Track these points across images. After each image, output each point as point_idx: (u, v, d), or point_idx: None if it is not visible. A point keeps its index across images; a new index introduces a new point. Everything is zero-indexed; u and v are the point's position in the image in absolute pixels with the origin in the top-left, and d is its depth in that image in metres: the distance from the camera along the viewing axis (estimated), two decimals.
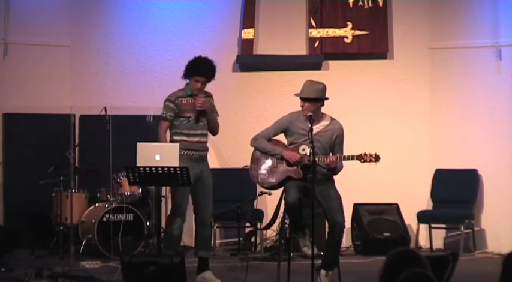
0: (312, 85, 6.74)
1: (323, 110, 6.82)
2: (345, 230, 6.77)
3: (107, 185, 9.00)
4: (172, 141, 7.22)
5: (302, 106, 6.71)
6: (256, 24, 10.19)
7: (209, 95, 7.50)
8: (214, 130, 7.49)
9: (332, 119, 6.84)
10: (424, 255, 3.66)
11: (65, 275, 7.22)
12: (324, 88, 6.74)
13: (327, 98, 6.74)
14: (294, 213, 6.58)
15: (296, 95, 6.76)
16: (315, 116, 6.61)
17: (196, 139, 7.23)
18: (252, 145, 6.90)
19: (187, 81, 7.38)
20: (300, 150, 6.69)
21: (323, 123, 6.75)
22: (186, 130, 7.26)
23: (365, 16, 10.06)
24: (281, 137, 6.96)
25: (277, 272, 6.69)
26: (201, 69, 7.35)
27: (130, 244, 8.57)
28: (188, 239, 9.94)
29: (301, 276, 6.75)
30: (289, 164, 6.71)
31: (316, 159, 6.43)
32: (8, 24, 9.76)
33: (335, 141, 6.77)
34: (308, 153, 6.58)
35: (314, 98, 6.68)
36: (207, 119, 7.35)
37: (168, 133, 7.35)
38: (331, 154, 6.76)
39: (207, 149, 7.40)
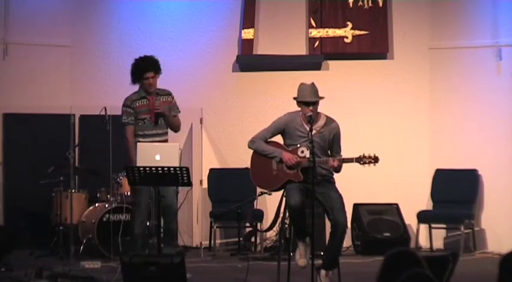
0: (312, 87, 6.70)
1: (319, 109, 6.79)
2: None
3: (107, 185, 9.00)
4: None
5: (311, 110, 6.60)
6: (256, 24, 10.19)
7: (168, 93, 7.87)
8: (174, 128, 7.89)
9: (327, 117, 6.81)
10: (424, 255, 3.66)
11: (65, 275, 7.22)
12: None
13: (322, 97, 6.74)
14: (297, 217, 6.54)
15: (304, 101, 6.64)
16: (313, 116, 6.59)
17: (151, 139, 7.58)
18: (249, 147, 6.86)
19: (138, 83, 7.77)
20: (299, 153, 6.65)
21: (319, 123, 6.72)
22: (141, 131, 7.69)
23: (365, 16, 10.05)
24: (279, 138, 6.94)
25: (277, 272, 6.69)
26: (146, 66, 7.74)
27: (130, 244, 8.56)
28: (188, 238, 9.96)
29: (301, 276, 6.75)
30: (288, 166, 6.67)
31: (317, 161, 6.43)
32: (8, 24, 9.75)
33: (333, 140, 6.75)
34: (307, 156, 6.56)
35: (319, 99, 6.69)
36: (165, 120, 7.74)
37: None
38: (329, 153, 6.75)
39: None
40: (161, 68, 7.83)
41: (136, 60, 7.83)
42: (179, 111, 7.88)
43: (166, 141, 7.80)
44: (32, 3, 9.92)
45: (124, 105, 7.75)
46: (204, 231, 9.78)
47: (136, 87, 7.98)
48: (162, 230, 7.54)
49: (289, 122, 6.76)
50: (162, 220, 7.57)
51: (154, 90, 7.77)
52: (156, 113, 7.66)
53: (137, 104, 7.67)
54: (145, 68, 7.69)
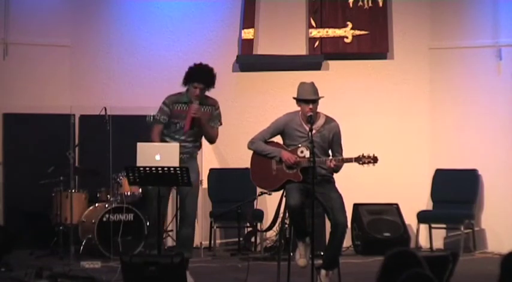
0: (312, 86, 6.72)
1: (319, 109, 6.80)
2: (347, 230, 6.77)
3: (107, 185, 9.00)
4: (161, 141, 7.36)
5: (311, 109, 6.61)
6: (256, 24, 10.19)
7: (213, 104, 7.55)
8: (209, 140, 7.62)
9: (327, 117, 6.81)
10: (424, 255, 3.66)
11: (65, 275, 7.22)
12: None
13: (322, 97, 6.74)
14: (297, 217, 6.54)
15: (304, 99, 6.66)
16: (313, 116, 6.60)
17: (177, 143, 7.23)
18: (249, 148, 6.86)
19: (187, 87, 7.46)
20: (299, 153, 6.65)
21: (319, 123, 6.72)
22: (170, 133, 7.43)
23: (365, 16, 10.06)
24: (278, 138, 6.94)
25: (277, 272, 6.69)
26: (199, 76, 7.43)
27: (130, 244, 8.57)
28: None
29: (301, 276, 6.75)
30: (288, 166, 6.67)
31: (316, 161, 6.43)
32: (8, 24, 9.75)
33: (333, 140, 6.74)
34: (307, 156, 6.56)
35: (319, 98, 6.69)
36: (201, 128, 7.42)
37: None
38: (330, 152, 6.75)
39: (192, 153, 7.48)
40: (214, 84, 7.48)
41: (196, 65, 7.52)
42: (220, 124, 7.57)
43: (195, 149, 7.53)
44: (32, 3, 9.91)
45: (164, 102, 7.43)
46: (204, 231, 9.77)
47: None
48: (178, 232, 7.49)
49: (289, 122, 6.76)
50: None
51: (198, 101, 7.42)
52: (192, 119, 7.35)
53: (177, 108, 7.41)
54: (197, 78, 7.38)
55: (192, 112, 7.34)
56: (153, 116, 7.57)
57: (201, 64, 7.52)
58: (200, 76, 7.42)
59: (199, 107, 7.39)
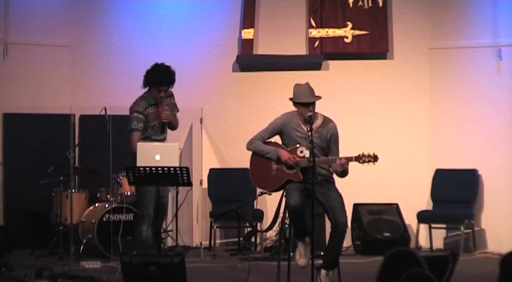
0: (308, 88, 6.69)
1: (319, 109, 6.79)
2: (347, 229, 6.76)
3: (107, 185, 9.00)
4: None
5: (311, 111, 6.59)
6: (256, 24, 10.19)
7: (170, 95, 7.76)
8: (173, 128, 7.83)
9: (324, 117, 6.78)
10: (424, 255, 3.66)
11: (65, 275, 7.22)
12: None
13: (320, 97, 6.73)
14: (297, 217, 6.53)
15: (303, 102, 6.66)
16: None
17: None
18: (248, 148, 6.84)
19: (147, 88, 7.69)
20: (298, 153, 6.64)
21: (317, 123, 6.69)
22: (150, 136, 7.60)
23: (365, 16, 10.06)
24: (277, 139, 6.93)
25: (277, 272, 6.68)
26: (162, 80, 7.68)
27: (130, 244, 8.56)
28: (188, 238, 9.96)
29: (301, 276, 6.74)
30: (288, 167, 6.67)
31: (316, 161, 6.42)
32: (8, 24, 9.76)
33: (330, 140, 6.72)
34: (307, 156, 6.55)
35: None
36: (169, 126, 7.75)
37: None
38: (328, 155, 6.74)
39: None
40: (175, 80, 7.71)
41: (154, 67, 7.67)
42: (178, 110, 7.86)
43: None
44: (32, 3, 9.92)
45: (135, 111, 7.57)
46: (204, 231, 9.78)
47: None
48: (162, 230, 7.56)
49: (287, 122, 6.74)
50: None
51: (165, 102, 7.68)
52: (164, 123, 7.69)
53: (149, 111, 7.61)
54: (162, 82, 7.58)
55: (163, 118, 7.60)
56: (131, 127, 7.61)
57: (158, 65, 7.74)
58: (163, 80, 7.64)
59: (169, 112, 7.63)
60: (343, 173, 6.59)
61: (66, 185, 8.87)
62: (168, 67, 7.67)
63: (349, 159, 6.55)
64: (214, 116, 10.11)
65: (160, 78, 7.60)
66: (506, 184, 9.62)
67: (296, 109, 6.71)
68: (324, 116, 6.78)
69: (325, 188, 6.61)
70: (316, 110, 6.70)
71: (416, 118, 10.09)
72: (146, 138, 7.56)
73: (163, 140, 7.64)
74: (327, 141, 6.71)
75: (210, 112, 10.04)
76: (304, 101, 6.62)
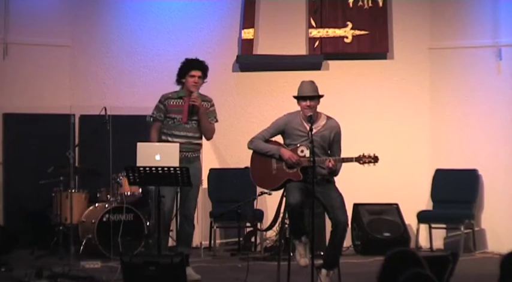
0: (310, 84, 6.74)
1: (320, 109, 6.81)
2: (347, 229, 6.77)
3: (107, 185, 9.00)
4: (160, 141, 7.31)
5: (308, 106, 6.63)
6: (256, 24, 10.19)
7: (208, 100, 7.58)
8: (206, 133, 7.55)
9: (328, 117, 6.81)
10: (424, 255, 3.66)
11: (65, 275, 7.22)
12: None
13: (322, 95, 6.75)
14: (296, 215, 6.53)
15: (300, 96, 6.68)
16: (313, 116, 6.60)
17: (179, 140, 7.27)
18: (249, 148, 6.86)
19: (181, 84, 7.50)
20: (299, 152, 6.65)
21: (320, 123, 6.72)
22: (170, 130, 7.40)
23: (365, 16, 10.06)
24: (278, 139, 6.94)
25: (277, 272, 6.69)
26: (196, 64, 7.49)
27: (130, 244, 8.57)
28: None
29: (301, 276, 6.75)
30: (288, 166, 6.67)
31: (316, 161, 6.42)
32: (8, 24, 9.76)
33: (333, 140, 6.74)
34: (307, 155, 6.56)
35: (317, 96, 6.69)
36: (199, 121, 7.42)
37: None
38: (329, 152, 6.75)
39: (195, 150, 7.43)
40: (207, 73, 7.52)
41: (187, 58, 7.58)
42: (216, 121, 7.59)
43: (198, 146, 7.49)
44: (32, 3, 9.92)
45: (159, 100, 7.49)
46: (204, 231, 9.77)
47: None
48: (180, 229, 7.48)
49: (289, 122, 6.77)
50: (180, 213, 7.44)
51: (196, 92, 7.44)
52: (190, 107, 7.35)
53: (171, 103, 7.42)
54: (194, 66, 7.42)
55: (191, 100, 7.34)
56: (150, 115, 7.57)
57: (192, 58, 7.58)
58: (196, 64, 7.48)
59: (198, 96, 7.41)
60: (332, 173, 6.66)
61: (66, 185, 8.86)
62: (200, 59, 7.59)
63: (349, 159, 6.57)
64: None
65: (191, 62, 7.47)
66: (506, 184, 9.62)
67: (299, 109, 6.74)
68: (327, 116, 6.82)
69: (325, 187, 6.62)
70: (317, 110, 6.73)
71: (416, 118, 10.09)
72: (168, 134, 7.37)
73: (187, 138, 7.35)
74: (329, 141, 6.73)
75: None
76: (300, 94, 6.66)
